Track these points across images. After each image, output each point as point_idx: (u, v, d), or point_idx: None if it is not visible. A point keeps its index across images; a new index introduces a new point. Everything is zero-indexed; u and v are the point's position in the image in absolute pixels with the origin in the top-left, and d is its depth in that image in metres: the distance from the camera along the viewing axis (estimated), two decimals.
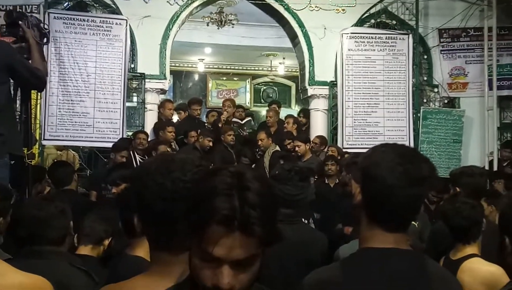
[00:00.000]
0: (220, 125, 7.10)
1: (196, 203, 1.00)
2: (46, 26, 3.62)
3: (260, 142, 6.74)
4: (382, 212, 1.38)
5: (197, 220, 0.98)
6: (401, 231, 1.41)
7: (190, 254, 1.03)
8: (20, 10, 6.19)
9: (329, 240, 2.73)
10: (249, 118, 7.91)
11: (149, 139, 6.51)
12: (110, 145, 6.08)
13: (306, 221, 3.29)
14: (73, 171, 4.62)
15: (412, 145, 7.31)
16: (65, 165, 4.74)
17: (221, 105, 7.70)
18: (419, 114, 7.63)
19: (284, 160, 5.40)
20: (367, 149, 1.48)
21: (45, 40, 3.37)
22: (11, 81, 3.21)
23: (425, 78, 8.02)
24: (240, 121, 7.49)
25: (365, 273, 1.36)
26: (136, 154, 6.16)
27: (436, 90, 7.97)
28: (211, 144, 6.54)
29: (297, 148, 6.44)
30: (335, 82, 7.62)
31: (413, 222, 4.28)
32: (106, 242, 2.80)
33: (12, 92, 3.26)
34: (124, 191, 2.65)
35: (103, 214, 2.82)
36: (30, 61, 3.22)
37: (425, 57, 8.02)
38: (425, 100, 8.01)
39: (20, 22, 3.26)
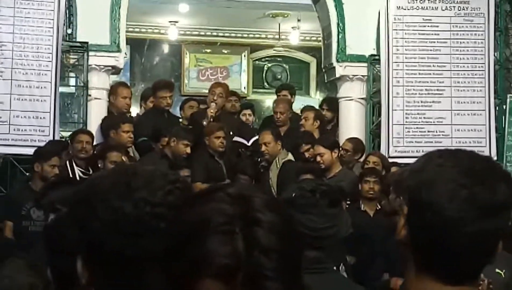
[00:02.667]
0: (203, 122, 7.10)
1: (178, 244, 0.99)
2: None
3: (264, 148, 6.73)
4: (437, 256, 1.37)
5: (179, 270, 0.98)
6: (467, 283, 1.39)
7: None
8: None
9: None
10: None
11: (94, 143, 6.51)
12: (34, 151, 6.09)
13: (335, 268, 3.28)
14: None
15: (494, 152, 7.31)
16: None
17: (207, 91, 7.69)
18: (504, 106, 7.66)
19: (305, 174, 5.41)
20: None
21: None
22: None
23: None
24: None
25: None
26: (74, 164, 6.16)
27: None
28: (188, 150, 6.55)
29: (319, 157, 6.44)
30: (377, 57, 7.64)
31: (497, 270, 4.31)
32: None
33: None
34: (58, 221, 2.62)
35: (30, 258, 2.80)
36: None
37: None
38: None
39: None
